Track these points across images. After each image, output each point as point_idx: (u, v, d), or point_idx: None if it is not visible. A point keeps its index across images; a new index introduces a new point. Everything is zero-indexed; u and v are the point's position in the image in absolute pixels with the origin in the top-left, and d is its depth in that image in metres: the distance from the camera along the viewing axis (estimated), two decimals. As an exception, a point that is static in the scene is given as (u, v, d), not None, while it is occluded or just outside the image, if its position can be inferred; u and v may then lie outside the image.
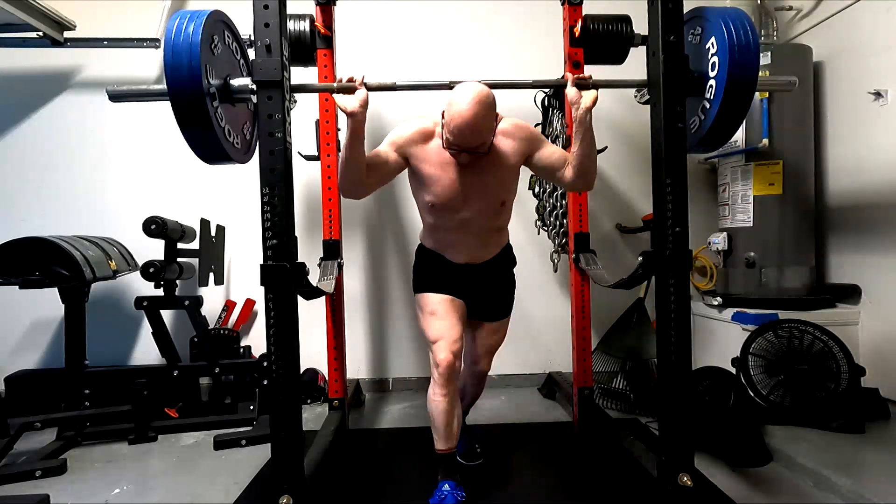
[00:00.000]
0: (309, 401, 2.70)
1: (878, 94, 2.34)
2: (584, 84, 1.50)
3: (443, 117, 1.43)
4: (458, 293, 1.64)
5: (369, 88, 1.46)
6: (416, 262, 1.73)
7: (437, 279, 1.64)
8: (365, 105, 1.42)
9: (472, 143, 1.42)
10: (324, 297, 2.02)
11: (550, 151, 1.57)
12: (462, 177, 1.51)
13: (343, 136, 1.43)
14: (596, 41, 2.08)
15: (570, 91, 1.49)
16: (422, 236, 1.74)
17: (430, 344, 1.57)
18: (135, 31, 2.67)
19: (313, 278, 1.72)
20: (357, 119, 1.41)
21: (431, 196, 1.55)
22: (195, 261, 2.45)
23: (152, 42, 2.66)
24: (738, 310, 2.50)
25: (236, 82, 1.45)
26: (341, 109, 1.42)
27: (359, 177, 1.47)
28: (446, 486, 1.55)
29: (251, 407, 2.41)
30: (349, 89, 1.43)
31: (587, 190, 2.12)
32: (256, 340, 2.88)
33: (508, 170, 1.56)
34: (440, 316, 1.58)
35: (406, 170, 1.58)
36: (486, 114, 1.39)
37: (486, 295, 1.71)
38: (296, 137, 1.54)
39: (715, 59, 1.45)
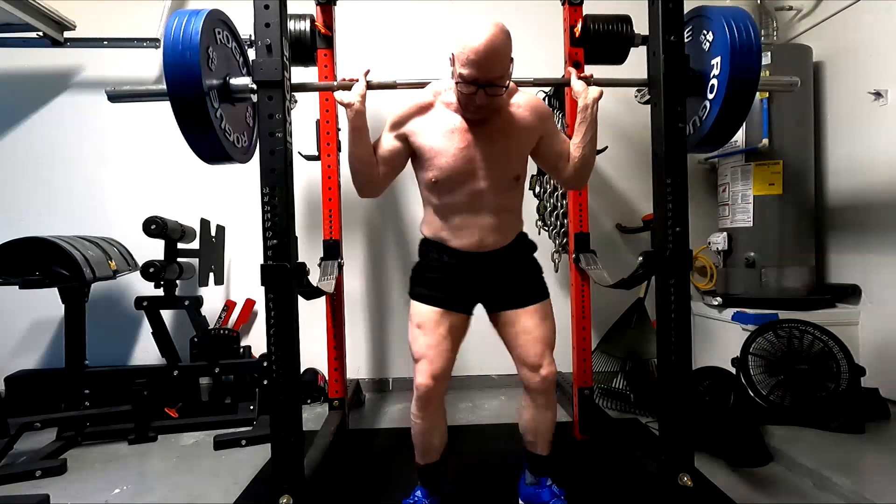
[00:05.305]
0: (309, 401, 2.70)
1: (878, 94, 2.34)
2: (585, 82, 1.50)
3: (452, 63, 1.30)
4: (461, 294, 1.46)
5: (371, 87, 1.45)
6: (417, 261, 1.56)
7: (434, 281, 1.47)
8: (363, 97, 1.39)
9: (490, 72, 1.25)
10: (324, 297, 2.02)
11: (562, 138, 1.49)
12: (471, 144, 1.37)
13: (344, 135, 1.41)
14: (596, 41, 2.08)
15: (576, 83, 1.48)
16: (423, 227, 1.54)
17: (413, 360, 1.45)
18: (135, 31, 2.67)
19: (313, 278, 1.72)
20: (356, 110, 1.36)
21: (436, 171, 1.38)
22: (195, 261, 2.45)
23: (152, 42, 2.66)
24: (738, 310, 2.50)
25: (236, 82, 1.45)
26: (340, 103, 1.39)
27: (369, 172, 1.40)
28: (419, 493, 1.56)
29: (251, 407, 2.41)
30: (349, 87, 1.42)
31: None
32: (256, 340, 2.87)
33: (521, 142, 1.43)
34: (426, 331, 1.43)
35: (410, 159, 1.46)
36: (505, 39, 1.26)
37: (506, 280, 1.49)
38: (296, 137, 1.54)
39: (716, 58, 1.45)
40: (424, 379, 1.39)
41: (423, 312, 1.45)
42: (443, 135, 1.38)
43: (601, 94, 1.46)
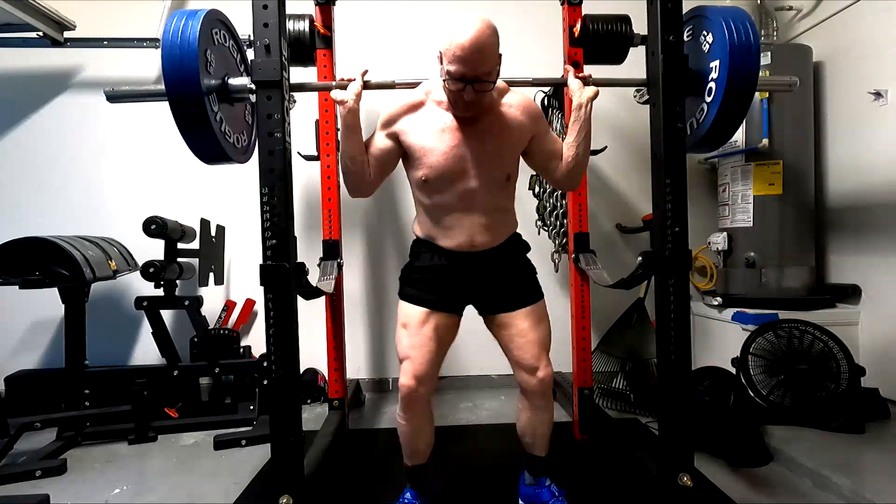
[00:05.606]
0: (309, 401, 2.70)
1: (878, 94, 2.34)
2: (583, 82, 1.50)
3: (440, 62, 1.29)
4: (450, 294, 1.45)
5: (369, 87, 1.45)
6: (407, 262, 1.55)
7: (423, 282, 1.46)
8: (358, 96, 1.38)
9: (478, 68, 1.24)
10: (324, 297, 2.02)
11: (554, 138, 1.48)
12: (462, 142, 1.35)
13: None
14: (595, 41, 2.08)
15: (573, 82, 1.47)
16: (415, 227, 1.53)
17: (398, 361, 1.44)
18: (135, 31, 2.67)
19: (313, 278, 1.72)
20: (349, 108, 1.36)
21: (426, 169, 1.37)
22: (195, 261, 2.45)
23: (152, 42, 2.66)
24: (738, 310, 2.50)
25: (234, 82, 1.45)
26: (334, 101, 1.39)
27: (360, 171, 1.40)
28: (408, 494, 1.55)
29: (251, 407, 2.41)
30: (347, 87, 1.42)
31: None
32: (256, 340, 2.87)
33: (513, 141, 1.41)
34: (410, 331, 1.43)
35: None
36: (492, 34, 1.25)
37: (499, 281, 1.47)
38: (295, 137, 1.54)
39: (715, 59, 1.45)
40: (407, 380, 1.39)
41: (409, 313, 1.45)
42: (434, 133, 1.37)
43: (596, 94, 1.45)
